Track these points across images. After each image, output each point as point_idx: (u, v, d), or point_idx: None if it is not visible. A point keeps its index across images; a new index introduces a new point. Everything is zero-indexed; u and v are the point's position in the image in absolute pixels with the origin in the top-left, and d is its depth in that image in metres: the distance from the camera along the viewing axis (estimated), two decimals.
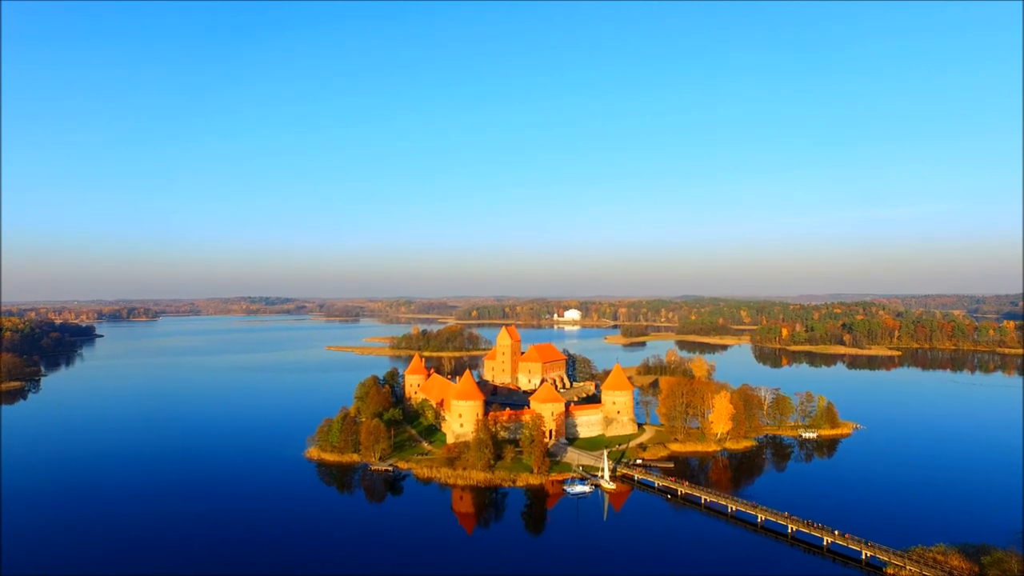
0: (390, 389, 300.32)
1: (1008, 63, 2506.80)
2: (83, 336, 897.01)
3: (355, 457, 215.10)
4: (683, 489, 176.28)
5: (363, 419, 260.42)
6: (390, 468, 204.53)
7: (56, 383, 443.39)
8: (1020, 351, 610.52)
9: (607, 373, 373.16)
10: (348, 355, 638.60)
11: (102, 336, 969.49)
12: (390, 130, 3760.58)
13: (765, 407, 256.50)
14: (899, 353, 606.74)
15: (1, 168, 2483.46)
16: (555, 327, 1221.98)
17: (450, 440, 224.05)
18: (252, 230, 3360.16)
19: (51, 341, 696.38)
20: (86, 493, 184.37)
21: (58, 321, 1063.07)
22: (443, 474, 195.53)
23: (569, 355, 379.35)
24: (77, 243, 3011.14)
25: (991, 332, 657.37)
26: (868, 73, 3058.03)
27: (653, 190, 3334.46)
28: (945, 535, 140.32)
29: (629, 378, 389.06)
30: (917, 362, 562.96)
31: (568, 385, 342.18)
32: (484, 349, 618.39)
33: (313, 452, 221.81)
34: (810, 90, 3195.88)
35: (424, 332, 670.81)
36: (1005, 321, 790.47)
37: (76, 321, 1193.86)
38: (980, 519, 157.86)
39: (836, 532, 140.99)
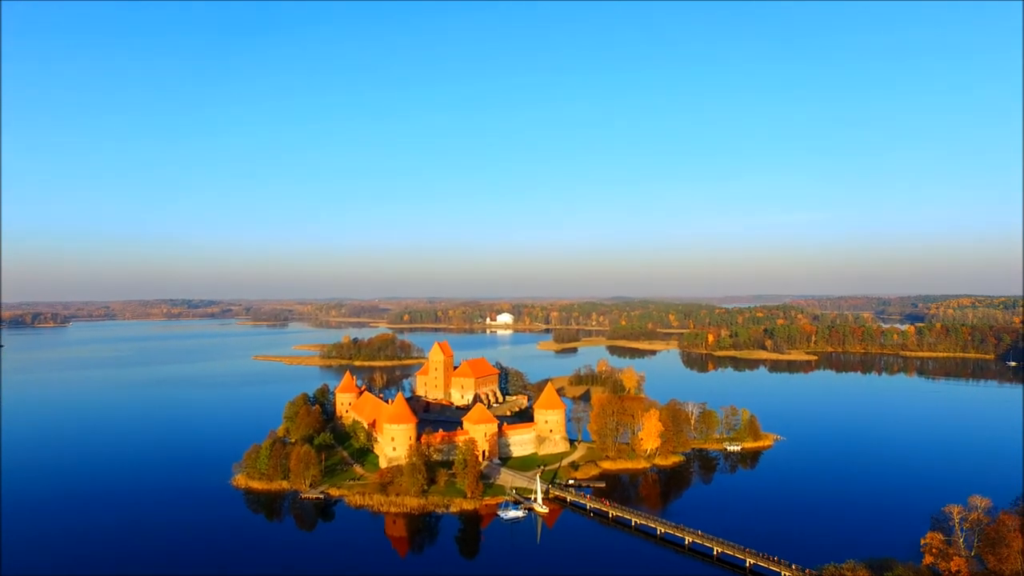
0: (320, 408, 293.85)
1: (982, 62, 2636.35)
2: None
3: (284, 484, 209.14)
4: (613, 512, 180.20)
5: (292, 439, 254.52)
6: (321, 495, 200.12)
7: None
8: (920, 353, 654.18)
9: (540, 384, 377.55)
10: (276, 365, 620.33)
11: (0, 346, 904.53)
12: (319, 131, 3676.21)
13: (692, 422, 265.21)
14: (815, 358, 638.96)
15: None
16: (487, 331, 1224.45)
17: (383, 464, 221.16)
18: (172, 228, 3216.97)
19: None
20: None
21: None
22: (376, 501, 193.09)
23: (502, 368, 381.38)
24: None
25: (895, 336, 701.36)
26: (795, 88, 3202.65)
27: (583, 193, 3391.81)
28: (855, 550, 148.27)
29: (561, 388, 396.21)
30: (832, 365, 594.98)
31: (501, 399, 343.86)
32: (417, 358, 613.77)
33: (240, 480, 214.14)
34: (743, 104, 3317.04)
35: (355, 341, 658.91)
36: (907, 325, 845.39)
37: None
38: (887, 531, 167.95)
39: (758, 553, 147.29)
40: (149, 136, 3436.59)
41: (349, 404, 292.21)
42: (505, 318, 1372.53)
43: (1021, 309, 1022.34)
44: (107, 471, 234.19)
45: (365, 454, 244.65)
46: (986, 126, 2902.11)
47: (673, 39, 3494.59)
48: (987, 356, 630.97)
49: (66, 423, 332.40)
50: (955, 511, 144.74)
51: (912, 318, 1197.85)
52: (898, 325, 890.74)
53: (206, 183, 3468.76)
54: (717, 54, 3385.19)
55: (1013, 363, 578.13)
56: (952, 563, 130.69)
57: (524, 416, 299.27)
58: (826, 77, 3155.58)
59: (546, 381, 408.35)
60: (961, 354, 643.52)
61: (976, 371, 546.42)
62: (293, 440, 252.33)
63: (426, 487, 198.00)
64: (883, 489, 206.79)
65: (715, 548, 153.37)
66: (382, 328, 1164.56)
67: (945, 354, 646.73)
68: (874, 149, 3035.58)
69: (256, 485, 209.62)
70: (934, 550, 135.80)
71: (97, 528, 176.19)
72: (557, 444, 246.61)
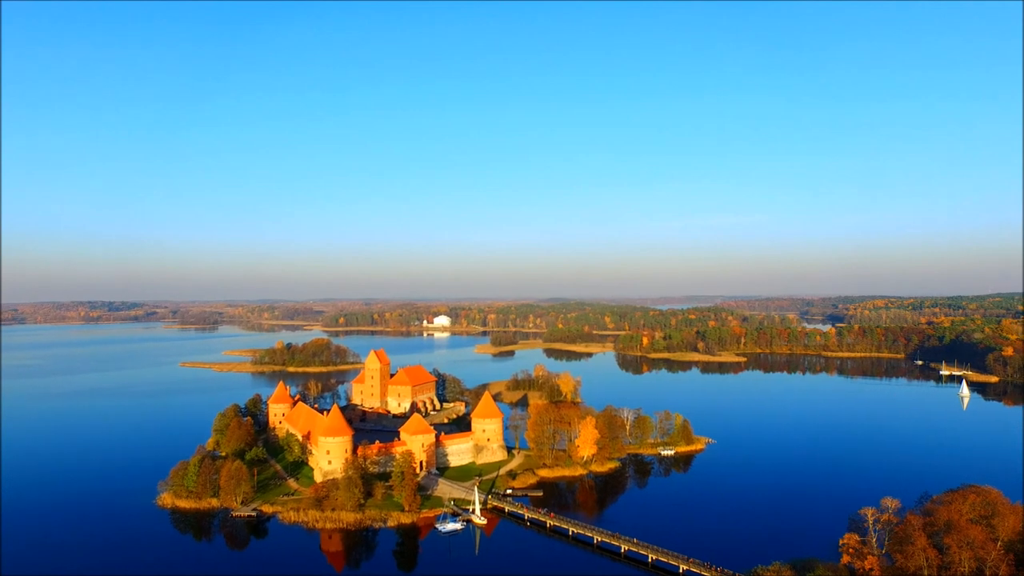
0: (252, 420, 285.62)
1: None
2: None
3: (214, 502, 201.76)
4: (551, 521, 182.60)
5: (223, 453, 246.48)
6: (253, 513, 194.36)
7: None
8: (840, 353, 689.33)
9: (477, 391, 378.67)
10: (205, 372, 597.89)
11: None
12: (251, 129, 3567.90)
13: (628, 427, 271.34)
14: (745, 359, 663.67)
15: None
16: (425, 334, 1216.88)
17: (318, 478, 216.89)
18: (90, 224, 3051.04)
19: None
20: None
21: None
22: (311, 516, 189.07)
23: (439, 375, 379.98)
24: None
25: (818, 338, 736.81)
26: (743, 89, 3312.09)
27: (520, 194, 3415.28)
28: (781, 551, 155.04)
29: (498, 394, 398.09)
30: (760, 366, 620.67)
31: (438, 406, 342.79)
32: (353, 363, 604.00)
33: (166, 498, 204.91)
34: (676, 106, 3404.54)
35: (289, 346, 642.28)
36: (829, 326, 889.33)
37: None
38: (811, 532, 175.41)
39: (690, 559, 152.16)
40: (53, 124, 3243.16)
41: (282, 415, 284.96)
42: (442, 320, 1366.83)
43: (927, 310, 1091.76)
44: (17, 494, 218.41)
45: (299, 467, 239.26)
46: (902, 136, 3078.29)
47: (605, 41, 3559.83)
48: (898, 356, 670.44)
49: None
50: (869, 513, 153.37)
51: (833, 318, 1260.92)
52: (820, 326, 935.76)
53: (124, 175, 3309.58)
54: (649, 56, 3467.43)
55: (919, 362, 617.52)
56: (866, 562, 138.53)
57: (462, 423, 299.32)
58: (762, 80, 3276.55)
59: (484, 387, 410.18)
60: (876, 354, 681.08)
61: (889, 370, 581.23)
62: (224, 454, 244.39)
63: (363, 501, 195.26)
64: (808, 490, 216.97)
65: (650, 555, 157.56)
66: (316, 332, 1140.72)
67: (862, 354, 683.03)
68: (801, 154, 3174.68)
69: (183, 504, 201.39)
70: (851, 550, 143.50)
71: (6, 556, 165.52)
72: (495, 453, 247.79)
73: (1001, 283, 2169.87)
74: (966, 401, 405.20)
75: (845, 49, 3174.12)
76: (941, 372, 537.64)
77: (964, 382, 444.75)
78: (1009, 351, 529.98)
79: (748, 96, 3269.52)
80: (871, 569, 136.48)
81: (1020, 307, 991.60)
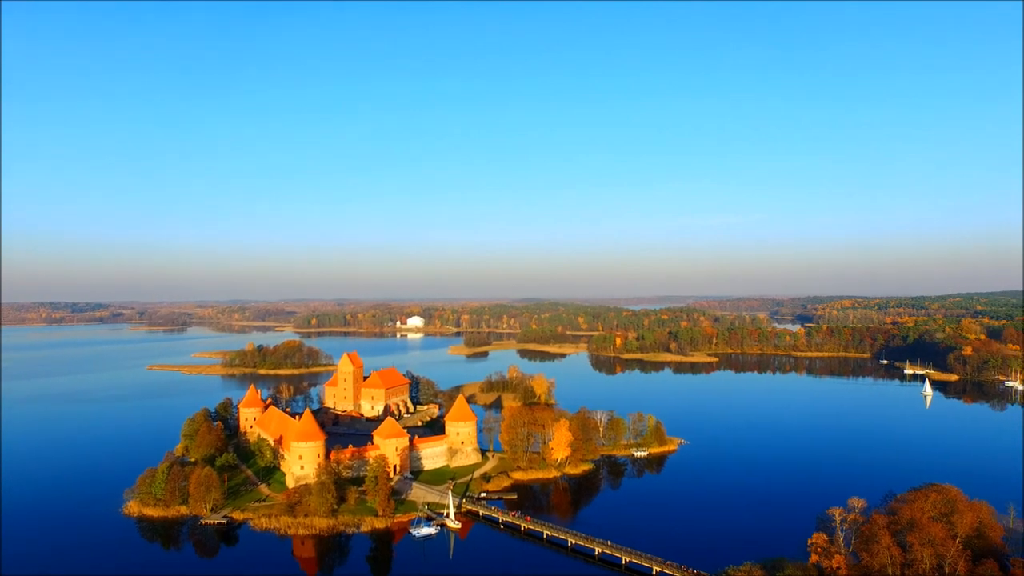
0: (223, 424, 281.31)
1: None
2: None
3: (183, 510, 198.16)
4: (525, 525, 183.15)
5: (192, 459, 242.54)
6: (224, 520, 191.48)
7: None
8: (809, 353, 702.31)
9: (451, 392, 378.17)
10: (174, 375, 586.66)
11: None
12: (221, 125, 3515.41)
13: (601, 429, 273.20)
14: (716, 359, 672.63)
15: None
16: (398, 335, 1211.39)
17: (290, 484, 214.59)
18: (50, 223, 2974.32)
19: None
20: None
21: None
22: (283, 523, 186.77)
23: (412, 377, 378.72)
24: None
25: (788, 338, 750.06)
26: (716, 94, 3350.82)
27: (494, 194, 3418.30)
28: (752, 551, 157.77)
29: (472, 396, 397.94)
30: (731, 366, 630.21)
31: (412, 409, 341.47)
32: (325, 365, 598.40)
33: (133, 507, 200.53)
34: (651, 107, 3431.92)
35: (260, 348, 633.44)
36: (798, 326, 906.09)
37: None
38: (781, 532, 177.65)
39: (663, 561, 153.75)
40: (16, 121, 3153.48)
41: (254, 419, 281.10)
42: (416, 321, 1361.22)
43: (892, 310, 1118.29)
44: None
45: (271, 473, 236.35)
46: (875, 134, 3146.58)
47: (579, 41, 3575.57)
48: (864, 355, 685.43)
49: None
50: (837, 513, 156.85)
51: (802, 318, 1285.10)
52: (790, 326, 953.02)
53: (83, 171, 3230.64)
54: (622, 58, 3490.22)
55: (885, 361, 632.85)
56: (834, 561, 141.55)
57: (436, 426, 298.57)
58: (730, 81, 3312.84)
59: (457, 389, 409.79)
60: (843, 353, 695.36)
61: (856, 369, 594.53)
62: (193, 460, 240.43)
63: (336, 506, 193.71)
64: (778, 490, 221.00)
65: (624, 557, 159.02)
66: (288, 333, 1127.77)
67: (830, 354, 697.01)
68: (773, 156, 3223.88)
69: (151, 512, 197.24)
70: (819, 549, 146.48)
71: None
72: (469, 456, 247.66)
73: (961, 284, 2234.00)
74: (929, 400, 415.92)
75: (825, 50, 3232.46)
76: (905, 371, 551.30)
77: (927, 381, 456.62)
78: (968, 350, 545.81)
79: (720, 97, 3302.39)
80: (838, 568, 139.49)
81: (978, 307, 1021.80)
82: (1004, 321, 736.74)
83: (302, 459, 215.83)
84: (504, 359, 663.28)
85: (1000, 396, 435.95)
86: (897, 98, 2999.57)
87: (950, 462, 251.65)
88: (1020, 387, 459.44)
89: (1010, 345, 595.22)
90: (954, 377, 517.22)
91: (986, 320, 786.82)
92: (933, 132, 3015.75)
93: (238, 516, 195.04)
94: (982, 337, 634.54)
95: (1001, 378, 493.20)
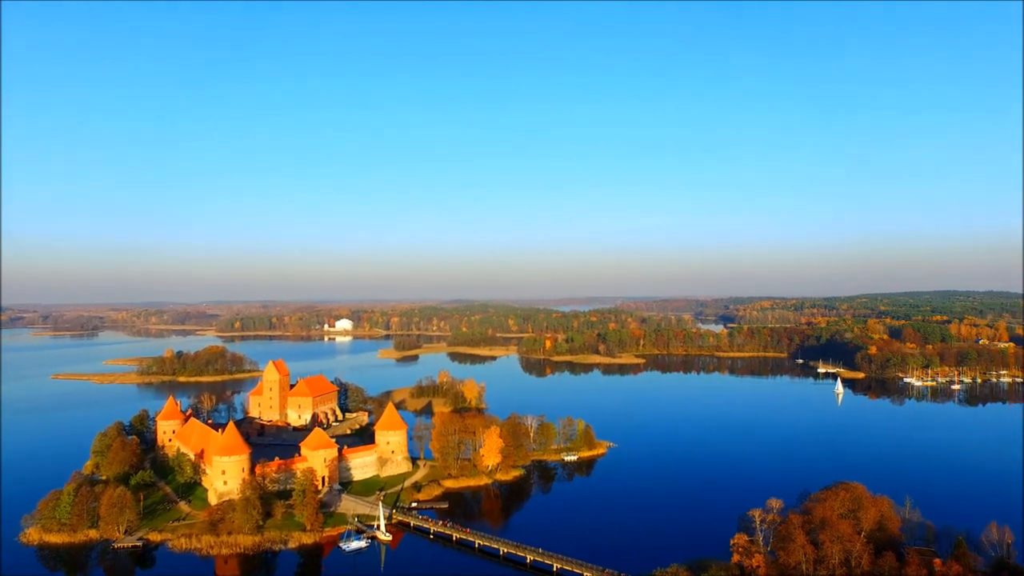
0: (139, 438, 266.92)
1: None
2: None
3: (92, 534, 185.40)
4: (457, 534, 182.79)
5: (104, 476, 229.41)
6: (139, 543, 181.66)
7: None
8: (731, 354, 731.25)
9: (380, 398, 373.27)
10: (83, 384, 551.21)
11: None
12: (146, 120, 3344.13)
13: (532, 435, 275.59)
14: (643, 360, 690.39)
15: None
16: (326, 339, 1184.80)
17: (212, 500, 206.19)
18: None
19: None
20: None
21: None
22: (205, 543, 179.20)
23: (341, 384, 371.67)
24: None
25: (711, 339, 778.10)
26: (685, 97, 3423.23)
27: (421, 195, 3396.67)
28: (679, 552, 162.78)
29: (402, 401, 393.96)
30: (658, 366, 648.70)
31: (341, 417, 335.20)
32: (250, 371, 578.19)
33: (32, 534, 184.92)
34: (580, 110, 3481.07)
35: (179, 354, 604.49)
36: (721, 327, 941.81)
37: None
38: (706, 533, 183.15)
39: (594, 567, 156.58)
40: None
41: (173, 432, 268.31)
42: (344, 324, 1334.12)
43: (807, 311, 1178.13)
44: None
45: (192, 489, 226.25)
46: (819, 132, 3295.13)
47: (518, 43, 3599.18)
48: (782, 355, 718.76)
49: None
50: (756, 514, 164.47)
51: (725, 319, 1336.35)
52: (713, 327, 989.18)
53: None
54: (561, 57, 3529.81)
55: (800, 360, 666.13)
56: (754, 560, 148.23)
57: (365, 434, 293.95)
58: (675, 83, 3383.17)
59: (387, 395, 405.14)
60: (763, 353, 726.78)
61: (774, 368, 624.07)
62: (104, 479, 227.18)
63: (262, 522, 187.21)
64: (703, 490, 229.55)
65: (555, 564, 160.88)
66: (210, 337, 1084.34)
67: (750, 354, 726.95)
68: (692, 159, 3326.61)
69: (54, 539, 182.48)
70: (740, 549, 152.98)
71: None
72: (399, 465, 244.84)
73: (869, 284, 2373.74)
74: (840, 397, 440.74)
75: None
76: (819, 370, 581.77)
77: (838, 379, 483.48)
78: (873, 350, 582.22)
79: (654, 94, 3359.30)
80: (758, 567, 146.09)
81: (882, 307, 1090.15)
82: (903, 321, 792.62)
83: (225, 474, 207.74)
84: (434, 363, 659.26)
85: (900, 392, 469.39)
86: (783, 105, 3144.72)
87: (858, 458, 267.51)
88: (917, 383, 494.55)
89: (908, 344, 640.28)
90: (861, 375, 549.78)
91: (888, 320, 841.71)
92: (821, 131, 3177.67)
93: (155, 537, 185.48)
94: (885, 337, 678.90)
95: (900, 375, 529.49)
